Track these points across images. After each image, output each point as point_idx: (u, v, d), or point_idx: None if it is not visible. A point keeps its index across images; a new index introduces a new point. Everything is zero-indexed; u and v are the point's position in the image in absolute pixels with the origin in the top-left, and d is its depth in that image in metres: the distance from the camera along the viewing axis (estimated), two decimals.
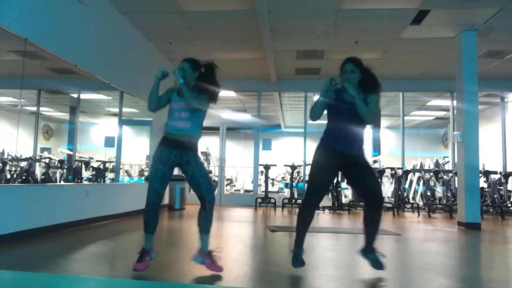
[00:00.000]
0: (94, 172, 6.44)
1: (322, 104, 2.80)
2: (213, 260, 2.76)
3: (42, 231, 4.27)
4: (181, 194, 8.19)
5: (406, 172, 8.91)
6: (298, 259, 2.79)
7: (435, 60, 7.80)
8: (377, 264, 2.80)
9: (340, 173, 3.13)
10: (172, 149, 2.71)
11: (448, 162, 10.32)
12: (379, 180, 8.77)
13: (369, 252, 2.84)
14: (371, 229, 2.85)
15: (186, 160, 2.72)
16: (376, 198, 2.80)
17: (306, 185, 2.93)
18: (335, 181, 2.73)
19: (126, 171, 9.13)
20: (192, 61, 2.85)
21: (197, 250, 2.81)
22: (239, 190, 12.66)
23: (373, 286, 2.61)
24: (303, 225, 2.86)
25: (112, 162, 6.67)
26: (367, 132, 2.91)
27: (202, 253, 2.77)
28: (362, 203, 8.57)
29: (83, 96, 6.36)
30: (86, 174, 6.42)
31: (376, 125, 10.76)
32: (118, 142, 6.72)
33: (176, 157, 2.71)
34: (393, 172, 8.88)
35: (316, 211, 2.97)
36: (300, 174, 11.06)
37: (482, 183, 7.97)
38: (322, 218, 7.01)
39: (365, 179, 2.80)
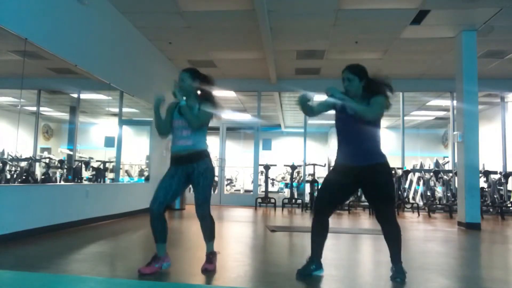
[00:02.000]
0: (94, 172, 6.44)
1: (321, 107, 2.77)
2: (209, 261, 2.79)
3: (42, 231, 4.27)
4: (181, 194, 8.18)
5: (406, 172, 8.91)
6: (304, 269, 2.70)
7: (435, 60, 7.80)
8: (395, 276, 2.65)
9: (359, 189, 2.90)
10: (178, 166, 2.75)
11: (448, 162, 10.32)
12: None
13: (393, 264, 2.71)
14: (389, 244, 2.72)
15: (191, 171, 2.74)
16: (383, 218, 2.69)
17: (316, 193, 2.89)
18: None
19: (126, 171, 9.13)
20: (191, 70, 2.84)
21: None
22: (239, 190, 12.67)
23: (373, 286, 2.61)
24: (314, 235, 2.78)
25: (112, 162, 6.67)
26: (380, 135, 2.78)
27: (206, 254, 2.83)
28: (362, 204, 8.61)
29: (83, 96, 6.36)
30: (86, 174, 6.41)
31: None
32: (118, 142, 6.72)
33: (182, 172, 2.74)
34: (393, 172, 8.88)
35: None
36: (300, 174, 11.06)
37: (482, 183, 7.97)
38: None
39: (374, 191, 2.68)
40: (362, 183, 2.70)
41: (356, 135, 2.68)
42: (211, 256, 2.80)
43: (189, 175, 2.74)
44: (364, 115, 2.58)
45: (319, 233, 2.76)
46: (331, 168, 2.86)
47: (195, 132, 2.75)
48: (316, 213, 2.80)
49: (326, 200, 2.77)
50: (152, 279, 2.54)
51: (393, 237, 2.68)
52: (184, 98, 2.74)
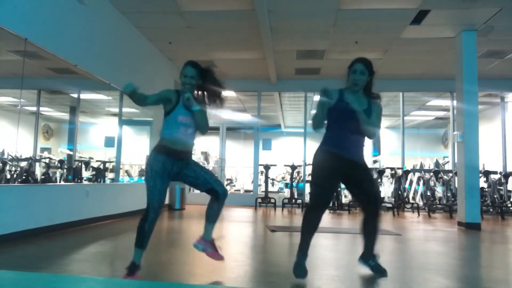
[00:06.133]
0: (94, 172, 6.44)
1: (323, 113, 2.70)
2: (215, 248, 2.80)
3: (42, 231, 4.27)
4: (181, 194, 8.18)
5: (406, 172, 8.91)
6: (301, 267, 2.67)
7: (435, 60, 7.80)
8: (379, 270, 2.76)
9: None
10: (175, 160, 2.66)
11: (448, 162, 10.32)
12: (379, 180, 8.77)
13: (370, 259, 2.81)
14: (372, 234, 2.81)
15: (186, 165, 2.71)
16: (376, 201, 2.78)
17: (311, 188, 2.83)
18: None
19: (126, 171, 9.13)
20: (198, 66, 2.74)
21: (199, 237, 2.83)
22: (239, 190, 12.66)
23: (373, 286, 2.61)
24: (309, 230, 2.76)
25: (112, 162, 6.67)
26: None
27: (204, 241, 2.81)
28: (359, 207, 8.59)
29: (83, 96, 6.36)
30: (86, 174, 6.42)
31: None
32: (118, 142, 6.72)
33: (177, 168, 2.68)
34: (393, 172, 8.88)
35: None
36: (300, 174, 11.06)
37: (482, 183, 7.97)
38: (322, 218, 7.00)
39: (365, 183, 2.76)
40: (347, 175, 2.75)
41: (353, 130, 2.69)
42: (215, 243, 2.83)
43: (181, 170, 2.69)
44: (370, 134, 2.67)
45: (315, 227, 2.78)
46: (319, 155, 2.76)
47: (196, 130, 2.76)
48: (315, 209, 2.76)
49: (326, 198, 2.78)
50: (152, 279, 2.54)
51: (377, 227, 2.81)
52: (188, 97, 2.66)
